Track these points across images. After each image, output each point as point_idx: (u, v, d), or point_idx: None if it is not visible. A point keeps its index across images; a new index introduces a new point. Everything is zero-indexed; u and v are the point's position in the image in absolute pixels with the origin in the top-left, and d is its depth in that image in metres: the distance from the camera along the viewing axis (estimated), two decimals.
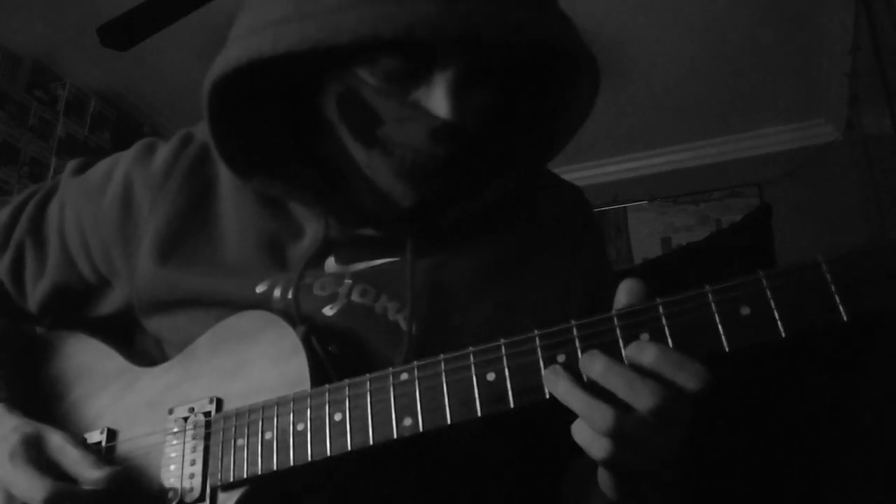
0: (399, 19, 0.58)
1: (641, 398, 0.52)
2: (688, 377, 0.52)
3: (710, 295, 0.53)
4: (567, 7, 0.68)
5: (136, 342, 0.91)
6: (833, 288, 0.48)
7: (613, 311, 0.56)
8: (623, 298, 0.56)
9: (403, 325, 0.72)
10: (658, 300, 0.54)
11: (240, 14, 0.68)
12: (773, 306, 0.50)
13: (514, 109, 0.76)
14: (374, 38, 0.58)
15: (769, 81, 3.14)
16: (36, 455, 0.68)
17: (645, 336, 0.54)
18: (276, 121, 0.76)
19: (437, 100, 0.65)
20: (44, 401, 0.80)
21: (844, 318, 0.47)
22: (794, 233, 2.71)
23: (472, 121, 0.68)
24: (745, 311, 0.51)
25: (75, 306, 0.87)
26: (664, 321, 0.54)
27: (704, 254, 1.53)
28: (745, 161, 3.57)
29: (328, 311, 0.73)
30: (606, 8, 2.72)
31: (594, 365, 0.54)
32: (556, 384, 0.55)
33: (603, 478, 0.60)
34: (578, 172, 3.70)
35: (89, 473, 0.66)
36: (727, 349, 0.51)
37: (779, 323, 0.50)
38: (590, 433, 0.54)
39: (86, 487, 0.65)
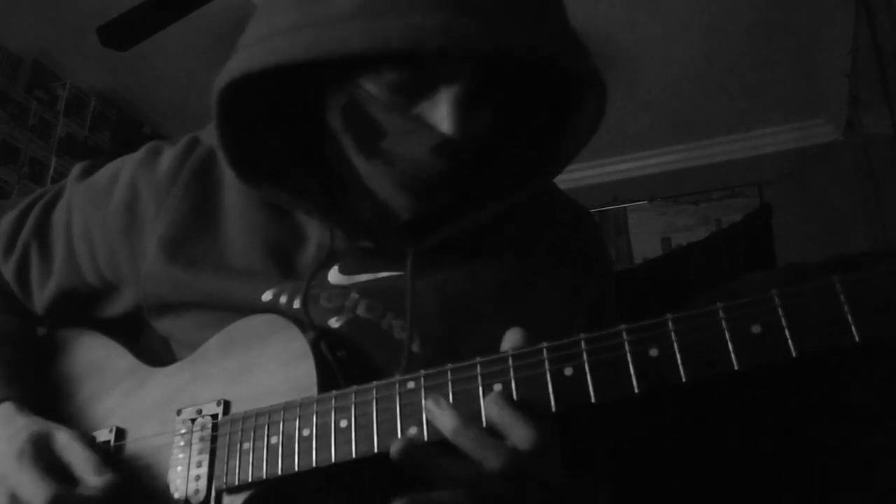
0: (409, 32, 0.57)
1: (488, 459, 0.54)
2: (518, 438, 0.54)
3: (720, 312, 0.52)
4: (568, 8, 0.68)
5: (142, 341, 0.91)
6: (847, 309, 0.48)
7: (622, 326, 0.55)
8: (506, 345, 0.58)
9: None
10: (668, 315, 0.54)
11: (250, 22, 0.68)
12: (785, 325, 0.50)
13: (520, 124, 0.75)
14: (383, 49, 0.58)
15: (769, 81, 3.15)
16: (43, 455, 0.68)
17: (654, 351, 0.53)
18: (283, 128, 0.76)
19: (441, 115, 0.64)
20: (54, 398, 0.80)
21: (857, 339, 0.47)
22: (794, 233, 2.72)
23: (476, 136, 0.67)
24: (756, 329, 0.51)
25: (82, 308, 0.87)
26: (673, 337, 0.53)
27: (704, 254, 1.53)
28: (745, 161, 3.57)
29: (334, 322, 0.72)
30: (607, 8, 2.72)
31: (446, 422, 0.56)
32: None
33: None
34: (578, 172, 3.70)
35: (91, 479, 0.66)
36: (737, 367, 0.51)
37: (790, 343, 0.50)
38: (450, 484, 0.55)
39: (85, 493, 0.66)
